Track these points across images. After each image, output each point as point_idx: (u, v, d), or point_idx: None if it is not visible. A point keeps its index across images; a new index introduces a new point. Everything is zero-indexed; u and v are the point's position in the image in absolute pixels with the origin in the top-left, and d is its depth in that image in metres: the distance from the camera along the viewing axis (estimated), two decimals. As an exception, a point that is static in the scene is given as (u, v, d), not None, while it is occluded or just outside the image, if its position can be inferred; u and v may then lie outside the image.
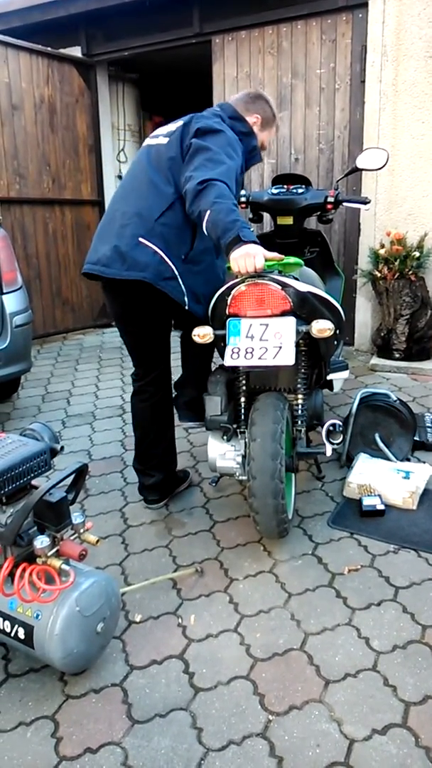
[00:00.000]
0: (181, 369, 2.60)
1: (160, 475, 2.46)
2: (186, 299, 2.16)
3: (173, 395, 2.52)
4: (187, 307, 2.18)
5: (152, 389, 2.38)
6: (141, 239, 2.10)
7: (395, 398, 2.77)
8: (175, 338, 2.42)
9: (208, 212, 1.89)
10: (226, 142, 2.12)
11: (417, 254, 4.02)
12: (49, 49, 5.10)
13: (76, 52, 5.37)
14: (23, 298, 3.47)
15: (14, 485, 1.60)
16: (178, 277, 2.12)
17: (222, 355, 2.11)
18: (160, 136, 2.25)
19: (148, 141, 2.31)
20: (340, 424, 2.23)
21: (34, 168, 5.13)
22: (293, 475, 2.38)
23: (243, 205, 2.90)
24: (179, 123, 2.22)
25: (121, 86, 6.06)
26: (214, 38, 4.77)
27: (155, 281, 2.09)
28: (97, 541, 1.68)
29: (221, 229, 1.87)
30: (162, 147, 2.20)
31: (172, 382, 2.47)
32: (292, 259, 2.08)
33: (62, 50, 5.27)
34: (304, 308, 2.02)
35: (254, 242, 1.87)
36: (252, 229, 1.94)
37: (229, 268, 1.92)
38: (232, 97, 2.39)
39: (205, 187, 1.92)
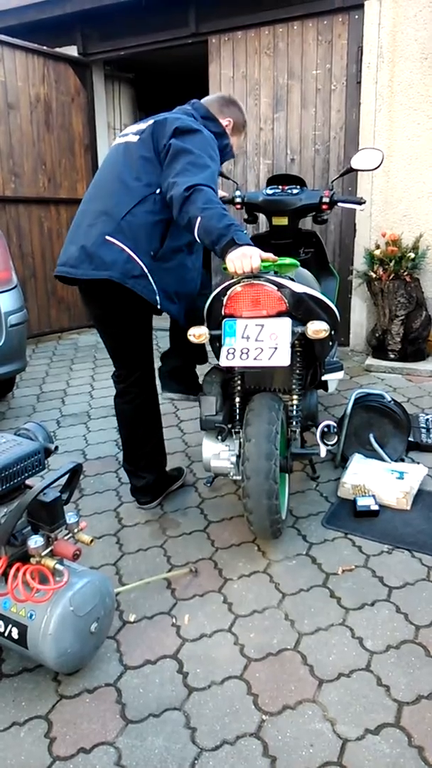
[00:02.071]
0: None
1: (150, 476, 2.46)
2: (157, 298, 2.13)
3: (158, 368, 2.50)
4: (159, 306, 2.16)
5: (136, 390, 2.36)
6: (107, 237, 2.06)
7: (390, 399, 2.78)
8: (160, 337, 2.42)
9: (199, 219, 1.88)
10: (205, 143, 2.09)
11: (412, 255, 4.03)
12: (44, 48, 5.09)
13: (72, 51, 5.36)
14: (18, 298, 3.47)
15: (8, 485, 1.60)
16: (148, 275, 2.09)
17: (217, 356, 2.11)
18: (130, 134, 2.21)
19: (117, 140, 2.28)
20: (335, 424, 2.24)
21: (30, 167, 5.12)
22: (287, 475, 2.38)
23: (238, 206, 2.91)
24: (150, 122, 2.17)
25: (117, 86, 6.05)
26: (210, 38, 4.77)
27: (122, 280, 2.06)
28: (91, 541, 1.68)
29: (216, 234, 1.87)
30: (132, 145, 2.15)
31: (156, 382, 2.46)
32: (287, 260, 2.09)
33: (58, 49, 5.26)
34: (300, 309, 2.03)
35: (249, 245, 1.87)
36: (245, 232, 1.94)
37: (224, 269, 1.92)
38: (205, 98, 2.37)
39: (191, 193, 1.90)
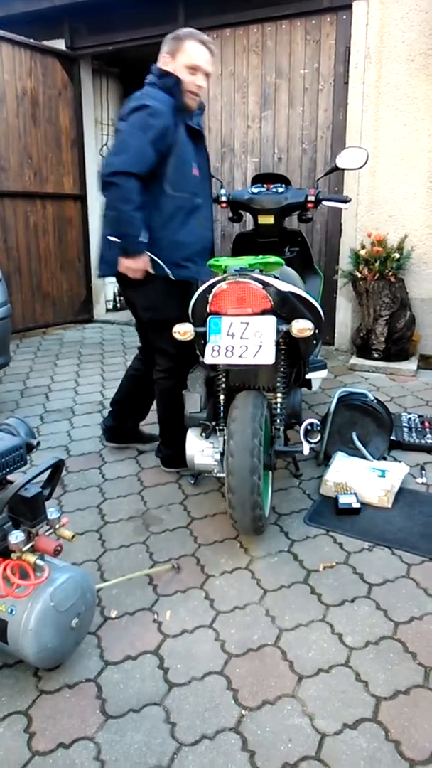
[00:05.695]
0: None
1: (132, 424, 2.89)
2: (168, 271, 2.36)
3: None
4: (173, 277, 2.36)
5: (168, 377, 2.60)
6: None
7: (373, 398, 2.80)
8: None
9: (106, 216, 2.28)
10: (139, 119, 2.21)
11: (397, 256, 4.06)
12: (32, 41, 5.04)
13: (59, 45, 5.32)
14: (2, 292, 3.44)
15: (-10, 480, 1.59)
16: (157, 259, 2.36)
17: (202, 353, 2.12)
18: None
19: None
20: (318, 422, 2.25)
21: (16, 161, 5.07)
22: (270, 473, 2.40)
23: (223, 205, 2.91)
24: None
25: (104, 80, 6.02)
26: (199, 35, 4.75)
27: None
28: (73, 537, 1.68)
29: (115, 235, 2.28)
30: None
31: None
32: (272, 259, 2.10)
33: (46, 43, 5.22)
34: (285, 307, 2.04)
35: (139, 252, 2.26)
36: (143, 240, 2.25)
37: (211, 265, 1.93)
38: None
39: (105, 184, 2.20)
